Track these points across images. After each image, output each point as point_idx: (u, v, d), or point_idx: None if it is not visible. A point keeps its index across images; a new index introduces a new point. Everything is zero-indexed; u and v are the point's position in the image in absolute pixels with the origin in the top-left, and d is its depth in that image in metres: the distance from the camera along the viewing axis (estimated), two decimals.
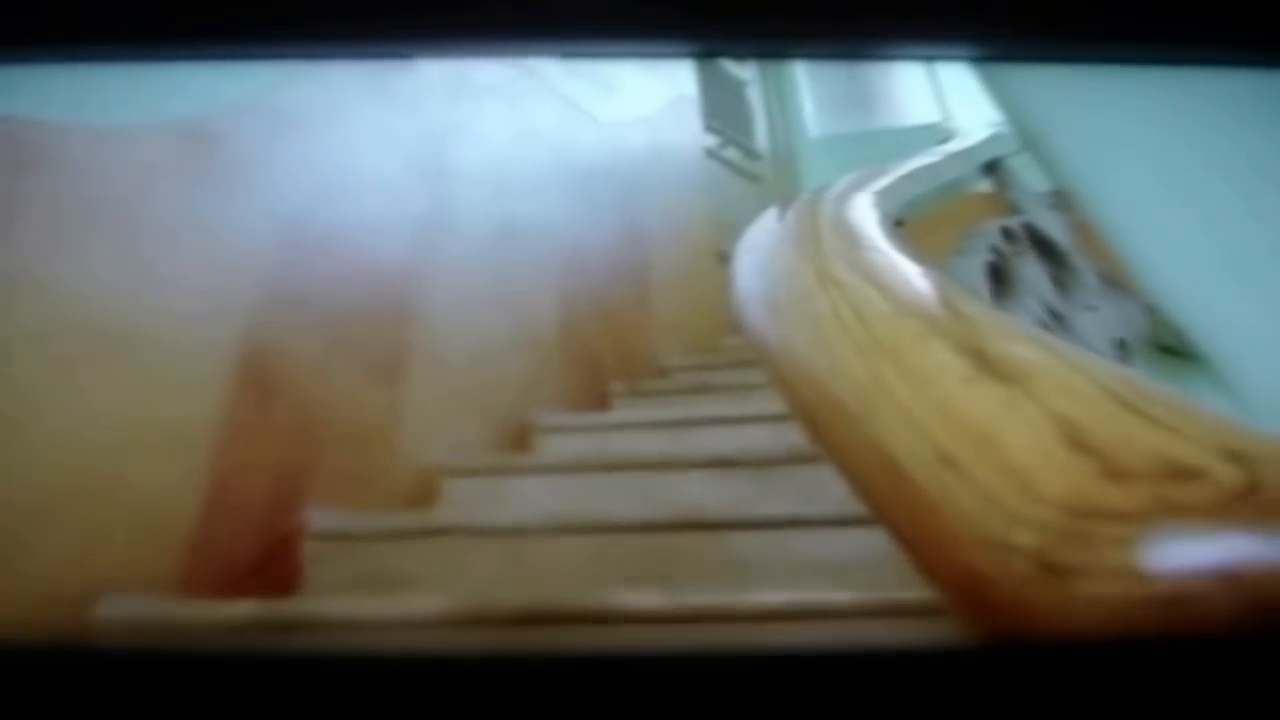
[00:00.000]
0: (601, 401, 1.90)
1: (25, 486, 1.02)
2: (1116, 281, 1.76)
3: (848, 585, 0.96)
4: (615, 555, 1.17)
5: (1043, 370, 0.39)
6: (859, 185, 0.94)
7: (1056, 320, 1.70)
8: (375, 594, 1.15)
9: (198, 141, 1.29)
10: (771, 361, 0.63)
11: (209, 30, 0.53)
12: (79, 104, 1.12)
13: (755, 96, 2.99)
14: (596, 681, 0.38)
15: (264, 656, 0.42)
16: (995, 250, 1.73)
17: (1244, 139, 0.79)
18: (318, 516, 1.27)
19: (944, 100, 2.69)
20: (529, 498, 1.37)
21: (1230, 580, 0.29)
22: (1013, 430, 0.36)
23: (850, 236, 0.69)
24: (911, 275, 0.56)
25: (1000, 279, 1.70)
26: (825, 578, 1.04)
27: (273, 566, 1.22)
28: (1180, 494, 0.31)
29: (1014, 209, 1.94)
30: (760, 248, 0.79)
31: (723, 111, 2.84)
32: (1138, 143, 0.90)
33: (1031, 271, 1.79)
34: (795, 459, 1.25)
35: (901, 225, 1.03)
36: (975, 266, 1.64)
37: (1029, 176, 1.92)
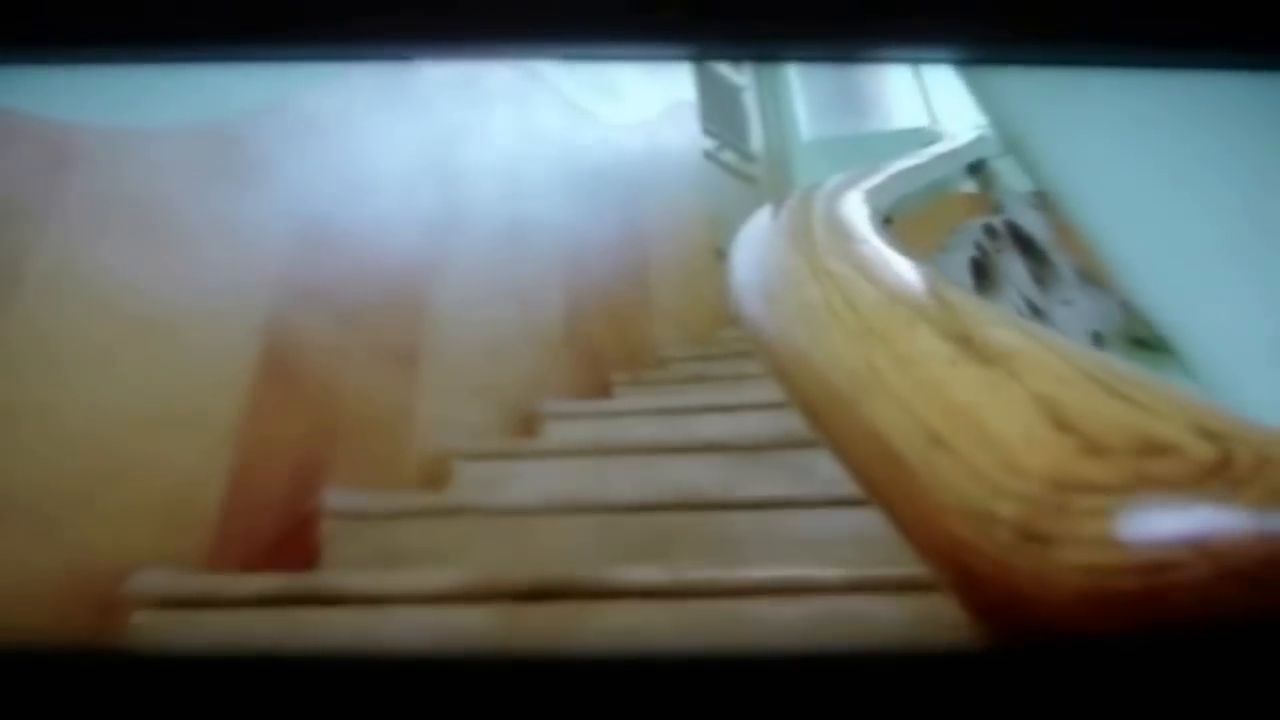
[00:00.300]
0: (604, 390, 1.91)
1: (64, 470, 1.02)
2: (1093, 277, 1.76)
3: (836, 562, 0.96)
4: (616, 533, 1.18)
5: (1025, 354, 0.39)
6: (850, 183, 0.94)
7: (1035, 313, 1.70)
8: (390, 570, 1.16)
9: (220, 143, 1.29)
10: (768, 350, 0.63)
11: (227, 34, 0.53)
12: (112, 107, 1.12)
13: (751, 101, 2.99)
14: (597, 681, 0.38)
15: (268, 658, 0.42)
16: (978, 246, 1.73)
17: (1220, 140, 0.79)
18: (335, 497, 1.28)
19: (931, 105, 2.69)
20: (535, 480, 1.37)
21: (1203, 549, 0.29)
22: (997, 410, 0.36)
23: (842, 230, 0.69)
24: (900, 266, 0.56)
25: (983, 273, 1.70)
26: (815, 554, 1.04)
27: (293, 544, 1.22)
28: (1156, 468, 0.31)
29: (997, 208, 1.94)
30: (756, 242, 0.78)
31: (720, 116, 2.84)
32: (1114, 144, 0.90)
33: (1012, 267, 1.79)
34: (787, 444, 1.25)
35: (890, 223, 1.02)
36: (959, 262, 1.64)
37: (1012, 177, 1.92)
